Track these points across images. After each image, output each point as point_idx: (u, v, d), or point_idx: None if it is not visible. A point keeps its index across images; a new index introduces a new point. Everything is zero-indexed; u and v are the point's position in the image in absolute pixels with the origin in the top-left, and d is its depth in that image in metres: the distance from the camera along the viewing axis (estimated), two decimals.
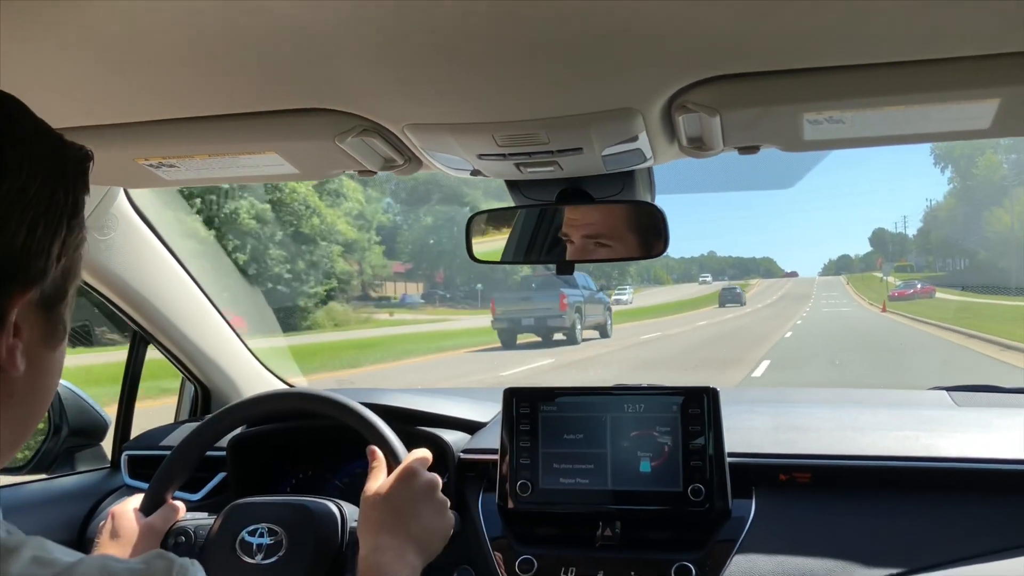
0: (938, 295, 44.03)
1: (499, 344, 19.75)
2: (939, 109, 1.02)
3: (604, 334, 20.64)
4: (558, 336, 18.96)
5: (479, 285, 53.81)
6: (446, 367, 16.71)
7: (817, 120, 1.06)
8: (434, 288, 58.70)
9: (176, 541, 1.40)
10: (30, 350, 0.68)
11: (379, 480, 1.31)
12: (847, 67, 0.96)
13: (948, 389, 1.96)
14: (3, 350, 0.65)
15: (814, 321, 30.58)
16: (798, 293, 58.92)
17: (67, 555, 0.63)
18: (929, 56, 0.93)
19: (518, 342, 19.20)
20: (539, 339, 18.97)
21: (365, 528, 1.25)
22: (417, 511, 1.24)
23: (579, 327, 19.24)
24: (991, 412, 1.73)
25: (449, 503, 1.30)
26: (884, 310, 34.64)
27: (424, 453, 1.33)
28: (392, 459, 1.36)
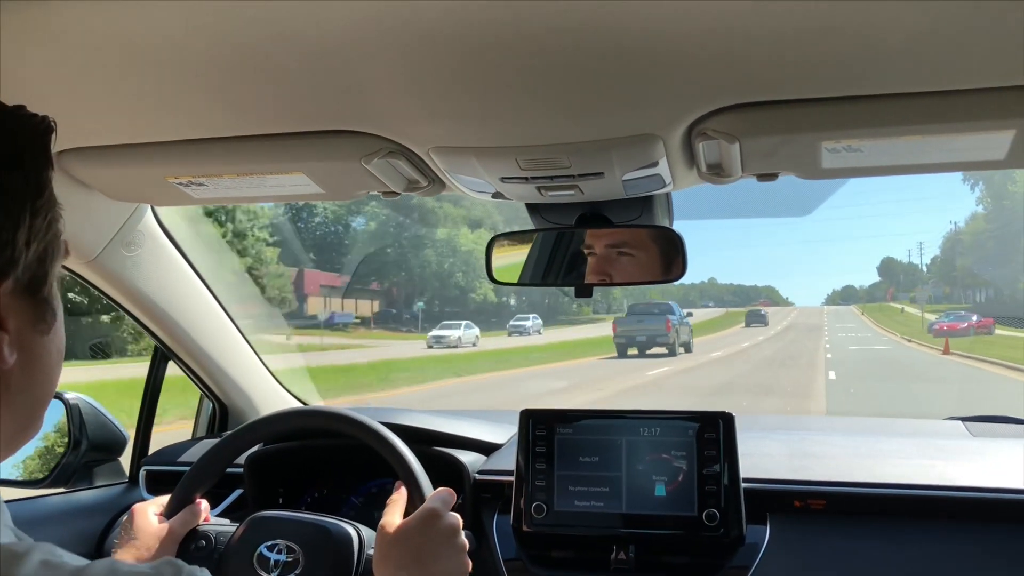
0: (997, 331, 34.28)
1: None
2: (956, 139, 1.04)
3: (688, 350, 26.16)
4: (659, 350, 24.68)
5: (419, 303, 49.55)
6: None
7: (835, 148, 1.07)
8: (390, 306, 51.88)
9: (196, 545, 1.40)
10: (21, 339, 0.67)
11: (398, 514, 1.29)
12: (866, 97, 0.98)
13: (963, 419, 1.96)
14: None
15: (847, 364, 22.27)
16: (807, 323, 53.00)
17: (75, 560, 0.64)
18: (946, 87, 0.94)
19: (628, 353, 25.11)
20: (636, 351, 25.04)
21: (383, 564, 1.23)
22: (437, 553, 1.23)
23: (677, 343, 25.20)
24: (1007, 443, 1.72)
25: (468, 546, 1.29)
26: (948, 351, 24.09)
27: (448, 492, 1.30)
28: (416, 493, 1.34)
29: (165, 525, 1.38)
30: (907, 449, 1.67)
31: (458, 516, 1.27)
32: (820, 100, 0.99)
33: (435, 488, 1.38)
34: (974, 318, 37.02)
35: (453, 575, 1.24)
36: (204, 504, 1.46)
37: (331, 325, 40.38)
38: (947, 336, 29.23)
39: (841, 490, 1.54)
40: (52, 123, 0.70)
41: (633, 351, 25.02)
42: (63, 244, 0.72)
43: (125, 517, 1.40)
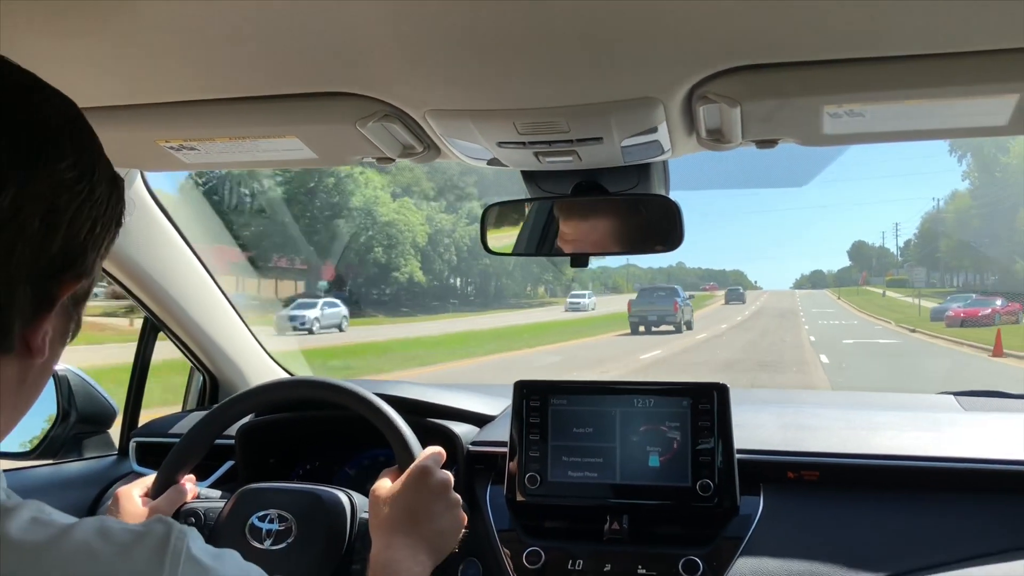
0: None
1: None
2: (958, 104, 1.03)
3: (689, 327, 29.41)
4: (667, 327, 28.15)
5: (322, 283, 39.61)
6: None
7: (837, 113, 1.06)
8: (307, 286, 40.59)
9: (185, 522, 1.40)
10: (52, 341, 0.70)
11: (391, 476, 1.30)
12: (868, 59, 0.96)
13: (955, 394, 1.97)
14: (40, 334, 0.67)
15: (849, 370, 16.86)
16: (779, 307, 46.99)
17: (64, 518, 0.64)
18: (949, 50, 0.93)
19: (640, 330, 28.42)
20: (643, 329, 28.23)
21: (377, 525, 1.24)
22: (430, 511, 1.24)
23: (682, 322, 28.75)
24: (998, 416, 1.73)
25: (461, 501, 1.30)
26: (1000, 352, 17.94)
27: (438, 450, 1.31)
28: (406, 455, 1.35)
29: (151, 506, 1.38)
30: (900, 422, 1.68)
31: (449, 473, 1.28)
32: (823, 63, 0.97)
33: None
34: (998, 302, 29.80)
35: (448, 530, 1.26)
36: (190, 483, 1.45)
37: None
38: (965, 324, 25.28)
39: (834, 461, 1.54)
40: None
41: (641, 328, 28.29)
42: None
43: (110, 501, 1.39)
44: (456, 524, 1.27)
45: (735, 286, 59.07)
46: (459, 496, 1.29)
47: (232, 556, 0.73)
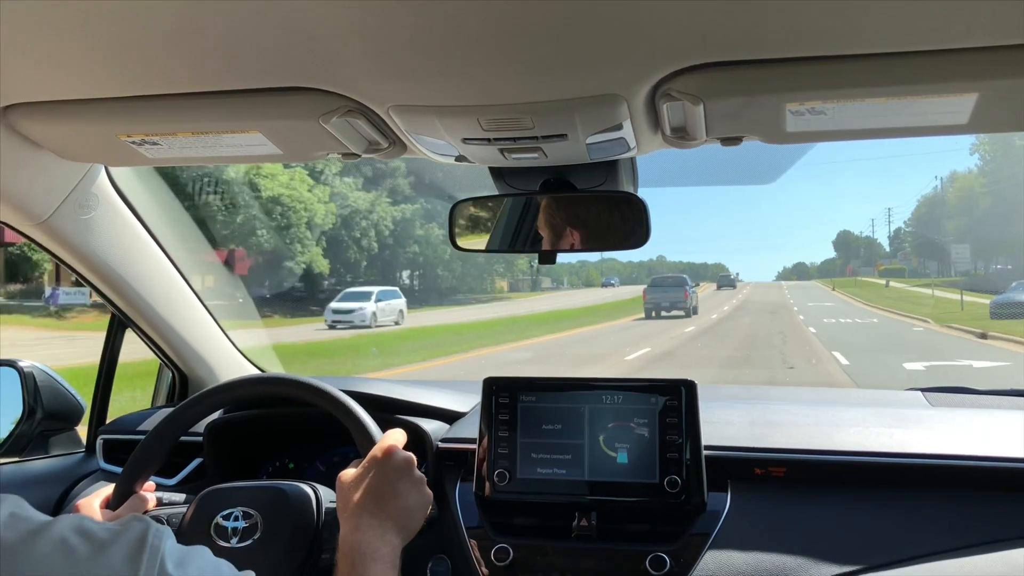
0: None
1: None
2: (919, 102, 1.04)
3: (695, 312, 31.99)
4: (677, 312, 30.87)
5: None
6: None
7: (799, 111, 1.07)
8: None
9: None
10: None
11: (356, 464, 1.31)
12: (830, 58, 0.97)
13: (923, 390, 1.98)
14: None
15: None
16: (765, 300, 40.62)
17: (41, 516, 0.63)
18: (910, 48, 0.94)
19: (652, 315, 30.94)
20: (655, 315, 30.85)
21: (343, 509, 1.24)
22: (395, 489, 1.24)
23: (691, 308, 31.39)
24: (964, 412, 1.75)
25: (426, 479, 1.30)
26: None
27: (398, 433, 1.33)
28: (366, 440, 1.36)
29: (111, 517, 1.36)
30: (867, 418, 1.69)
31: (411, 454, 1.28)
32: (784, 60, 0.98)
33: None
34: None
35: (414, 507, 1.26)
36: (150, 492, 1.43)
37: (54, 303, 28.29)
38: None
39: (801, 457, 1.55)
40: None
41: (654, 314, 31.14)
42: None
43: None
44: (422, 501, 1.28)
45: (726, 273, 58.46)
46: (423, 475, 1.29)
47: (203, 553, 0.73)
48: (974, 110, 1.05)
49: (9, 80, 1.12)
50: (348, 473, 1.28)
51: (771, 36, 0.93)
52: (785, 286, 61.73)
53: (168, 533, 0.68)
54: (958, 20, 0.88)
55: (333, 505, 1.36)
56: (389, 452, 1.26)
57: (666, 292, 32.10)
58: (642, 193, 1.47)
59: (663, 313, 30.52)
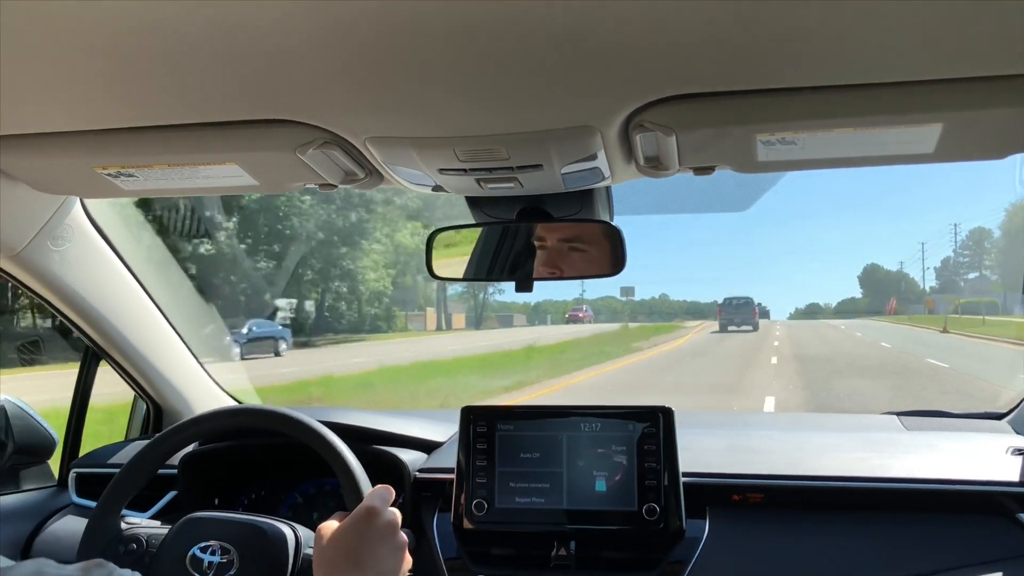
0: None
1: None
2: (886, 132, 1.06)
3: (756, 328, 37.27)
4: (746, 327, 36.67)
5: None
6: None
7: (770, 141, 1.09)
8: None
9: (127, 548, 1.37)
10: None
11: (339, 517, 1.26)
12: (799, 89, 0.99)
13: (898, 414, 2.00)
14: None
15: None
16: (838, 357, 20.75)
17: (2, 561, 0.62)
18: (877, 80, 0.96)
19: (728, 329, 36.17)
20: (730, 328, 36.78)
21: (320, 565, 1.20)
22: (375, 552, 1.20)
23: (756, 324, 37.83)
24: (939, 435, 1.77)
25: (407, 542, 1.27)
26: None
27: (386, 490, 1.27)
28: (354, 493, 1.33)
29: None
30: (843, 443, 1.70)
31: (397, 513, 1.24)
32: (754, 92, 1.00)
33: (373, 485, 1.36)
34: None
35: (390, 573, 1.22)
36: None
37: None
38: None
39: (779, 483, 1.56)
40: None
41: (730, 328, 37.14)
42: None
43: None
44: (399, 568, 1.23)
45: (741, 299, 41.68)
46: (405, 538, 1.25)
47: None
48: (940, 140, 1.07)
49: None
50: (329, 526, 1.23)
51: (741, 69, 0.95)
52: (841, 325, 43.84)
53: None
54: (923, 53, 0.90)
55: (311, 551, 1.35)
56: (374, 513, 1.21)
57: (737, 311, 38.63)
58: (618, 221, 1.48)
59: (732, 328, 36.85)
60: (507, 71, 0.95)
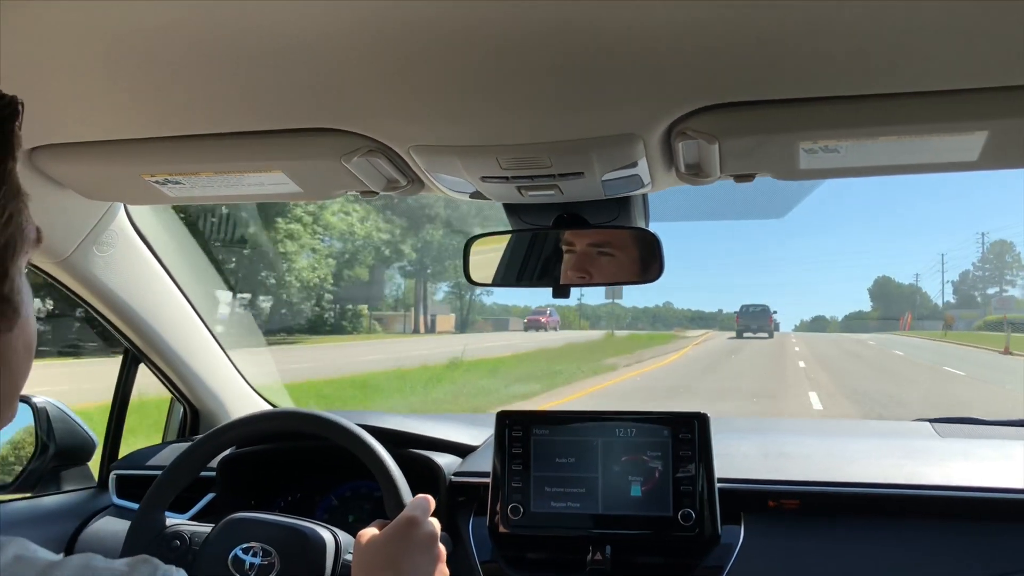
0: None
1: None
2: (930, 141, 1.06)
3: (771, 335, 39.92)
4: (763, 334, 39.25)
5: None
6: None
7: (812, 149, 1.09)
8: None
9: (171, 545, 1.39)
10: None
11: (379, 525, 1.26)
12: (843, 98, 0.99)
13: (932, 420, 1.99)
14: None
15: None
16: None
17: (49, 555, 0.62)
18: (922, 88, 0.97)
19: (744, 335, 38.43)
20: (747, 335, 39.29)
21: (359, 569, 1.20)
22: (414, 562, 1.20)
23: (772, 331, 40.86)
24: (973, 443, 1.76)
25: (445, 553, 1.28)
26: None
27: (427, 500, 1.27)
28: (395, 503, 1.35)
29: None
30: (878, 450, 1.70)
31: (437, 523, 1.25)
32: (798, 101, 1.00)
33: (412, 491, 1.38)
34: None
35: None
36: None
37: None
38: None
39: (814, 489, 1.55)
40: (18, 106, 0.65)
41: (746, 334, 39.65)
42: (30, 234, 0.68)
43: None
44: None
45: (757, 306, 43.97)
46: (444, 549, 1.25)
47: None
48: (984, 148, 1.08)
49: (36, 123, 1.15)
50: (369, 533, 1.24)
51: (784, 77, 0.95)
52: (870, 341, 38.02)
53: (179, 574, 0.68)
54: (969, 62, 0.90)
55: (350, 557, 1.37)
56: (415, 523, 1.21)
57: (755, 317, 41.21)
58: (653, 228, 1.49)
59: (749, 335, 39.08)
60: (552, 80, 0.97)
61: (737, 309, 44.77)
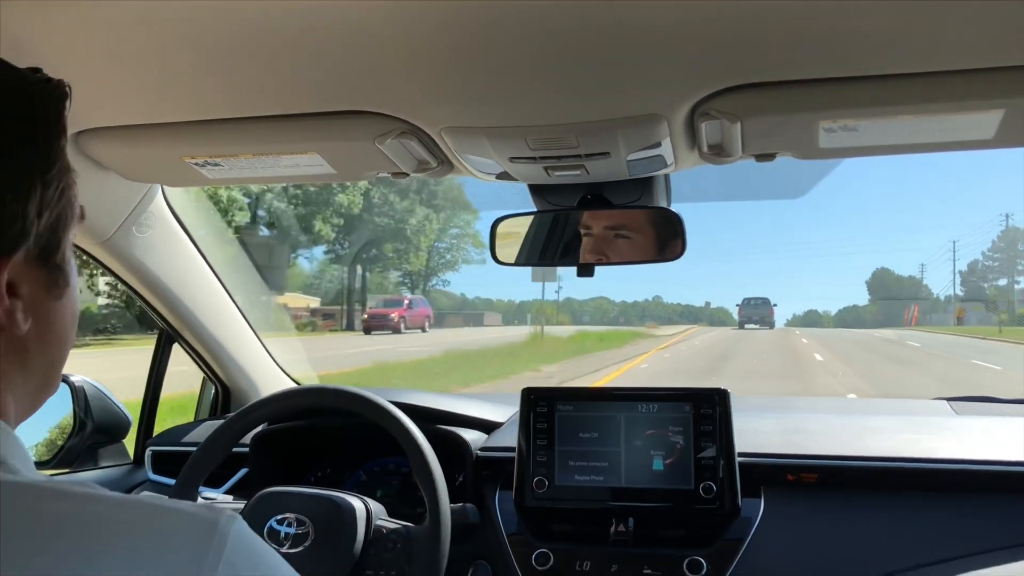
0: None
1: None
2: (947, 119, 1.09)
3: (772, 327, 43.34)
4: (765, 326, 42.14)
5: None
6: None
7: (832, 128, 1.12)
8: None
9: None
10: (34, 305, 0.67)
11: None
12: (863, 77, 1.03)
13: (948, 399, 2.02)
14: (1, 313, 0.65)
15: None
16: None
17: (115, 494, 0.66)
18: (939, 68, 1.00)
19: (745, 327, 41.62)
20: (748, 326, 42.84)
21: None
22: None
23: (772, 323, 43.95)
24: (989, 420, 1.79)
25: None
26: None
27: None
28: (422, 471, 1.41)
29: None
30: (896, 425, 1.73)
31: None
32: (819, 81, 1.04)
33: (441, 466, 1.43)
34: None
35: None
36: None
37: None
38: None
39: (833, 463, 1.59)
40: (67, 89, 0.69)
41: (747, 326, 42.84)
42: (77, 210, 0.71)
43: None
44: None
45: (759, 299, 47.00)
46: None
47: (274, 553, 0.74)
48: (1000, 126, 1.10)
49: (81, 108, 1.20)
50: None
51: (806, 57, 0.99)
52: (912, 340, 30.30)
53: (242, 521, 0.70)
54: (985, 41, 0.93)
55: (382, 522, 1.43)
56: None
57: (756, 309, 44.68)
58: (674, 207, 1.53)
59: (750, 326, 42.00)
60: (579, 62, 1.00)
61: (738, 303, 49.03)
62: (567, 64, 1.01)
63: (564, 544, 1.58)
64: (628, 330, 43.34)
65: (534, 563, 1.56)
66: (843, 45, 0.95)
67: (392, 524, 1.44)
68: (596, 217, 1.51)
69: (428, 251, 48.73)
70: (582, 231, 1.53)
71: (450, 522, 1.40)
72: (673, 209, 1.48)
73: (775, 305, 47.09)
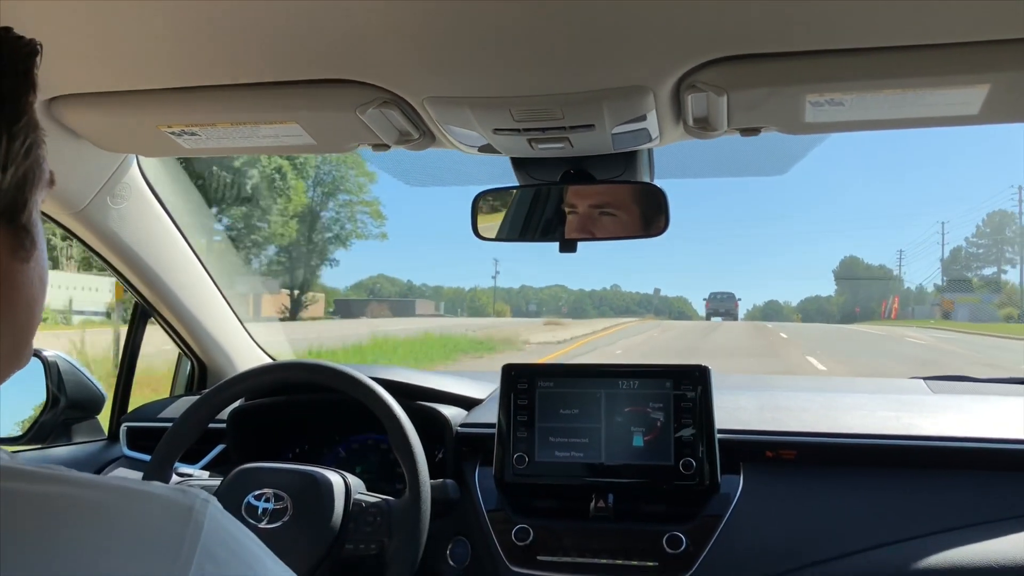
0: None
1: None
2: (932, 94, 1.09)
3: (736, 318, 47.64)
4: (729, 318, 46.67)
5: None
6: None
7: (819, 102, 1.12)
8: None
9: None
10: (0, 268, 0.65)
11: None
12: (849, 51, 1.02)
13: (925, 378, 2.04)
14: None
15: None
16: None
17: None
18: (926, 41, 0.99)
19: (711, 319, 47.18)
20: (705, 318, 48.26)
21: None
22: None
23: (737, 315, 51.05)
24: (965, 398, 1.81)
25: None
26: None
27: None
28: (402, 446, 1.40)
29: None
30: (873, 403, 1.74)
31: None
32: (806, 53, 1.03)
33: (421, 441, 1.42)
34: None
35: None
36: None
37: None
38: None
39: (811, 440, 1.60)
40: (38, 46, 0.66)
41: (713, 318, 45.83)
42: (46, 173, 0.69)
43: None
44: None
45: (724, 292, 55.58)
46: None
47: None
48: (985, 101, 1.10)
49: (54, 73, 1.16)
50: None
51: (793, 30, 0.98)
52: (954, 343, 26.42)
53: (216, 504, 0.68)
54: (972, 15, 0.93)
55: (361, 496, 1.42)
56: None
57: (723, 302, 50.25)
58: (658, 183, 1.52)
59: (716, 319, 44.58)
60: (565, 31, 0.99)
61: (705, 296, 54.48)
62: (552, 33, 1.00)
63: (544, 520, 1.58)
64: (509, 331, 29.18)
65: (514, 539, 1.55)
66: (831, 17, 0.95)
67: (372, 498, 1.43)
68: (581, 195, 1.50)
69: (300, 220, 34.86)
70: (567, 209, 1.51)
71: (430, 496, 1.40)
72: (657, 184, 1.47)
73: (739, 299, 53.87)
